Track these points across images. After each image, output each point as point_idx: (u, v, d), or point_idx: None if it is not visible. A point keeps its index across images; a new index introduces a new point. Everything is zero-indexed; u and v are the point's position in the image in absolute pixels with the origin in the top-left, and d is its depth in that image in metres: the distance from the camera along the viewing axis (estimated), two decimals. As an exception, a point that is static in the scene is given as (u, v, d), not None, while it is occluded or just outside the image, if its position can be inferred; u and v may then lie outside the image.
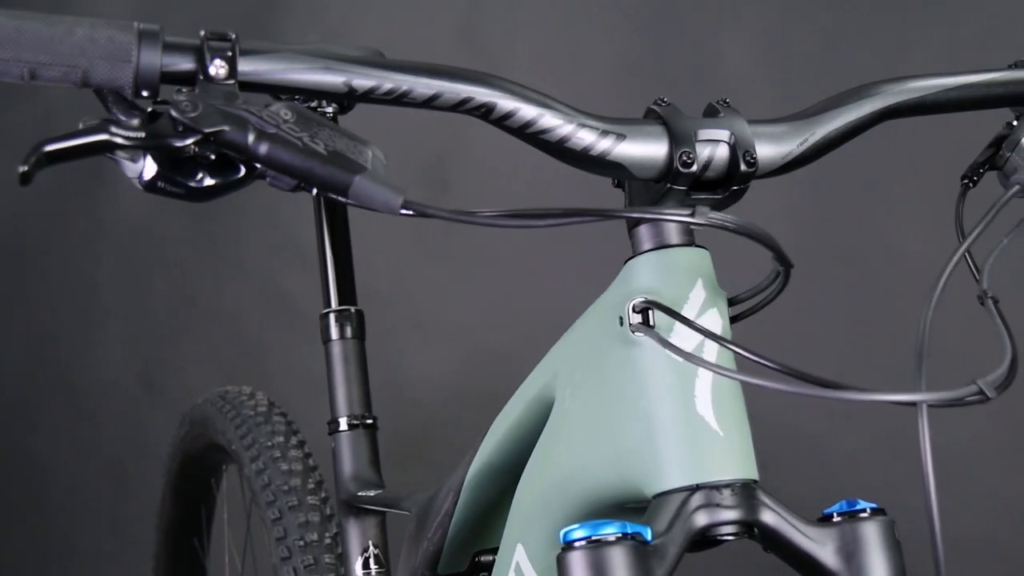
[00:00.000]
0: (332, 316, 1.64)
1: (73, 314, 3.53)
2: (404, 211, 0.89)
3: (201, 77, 0.87)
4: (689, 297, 0.96)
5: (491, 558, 1.31)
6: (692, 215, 0.91)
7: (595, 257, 2.43)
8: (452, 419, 2.63)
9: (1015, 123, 1.07)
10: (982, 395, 0.86)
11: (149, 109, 0.88)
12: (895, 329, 2.10)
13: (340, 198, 0.88)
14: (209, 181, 0.89)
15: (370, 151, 0.89)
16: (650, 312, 0.95)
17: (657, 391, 0.95)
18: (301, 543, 1.69)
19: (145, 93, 0.87)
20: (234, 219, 3.10)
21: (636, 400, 0.96)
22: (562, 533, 0.91)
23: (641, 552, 0.90)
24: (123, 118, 0.88)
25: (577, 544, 0.90)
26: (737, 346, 0.90)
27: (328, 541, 1.70)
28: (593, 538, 0.90)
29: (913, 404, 0.86)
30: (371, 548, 1.58)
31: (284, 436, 1.81)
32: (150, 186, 0.89)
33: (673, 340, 0.94)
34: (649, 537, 0.91)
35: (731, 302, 1.00)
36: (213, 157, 0.87)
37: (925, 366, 0.87)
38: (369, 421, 1.62)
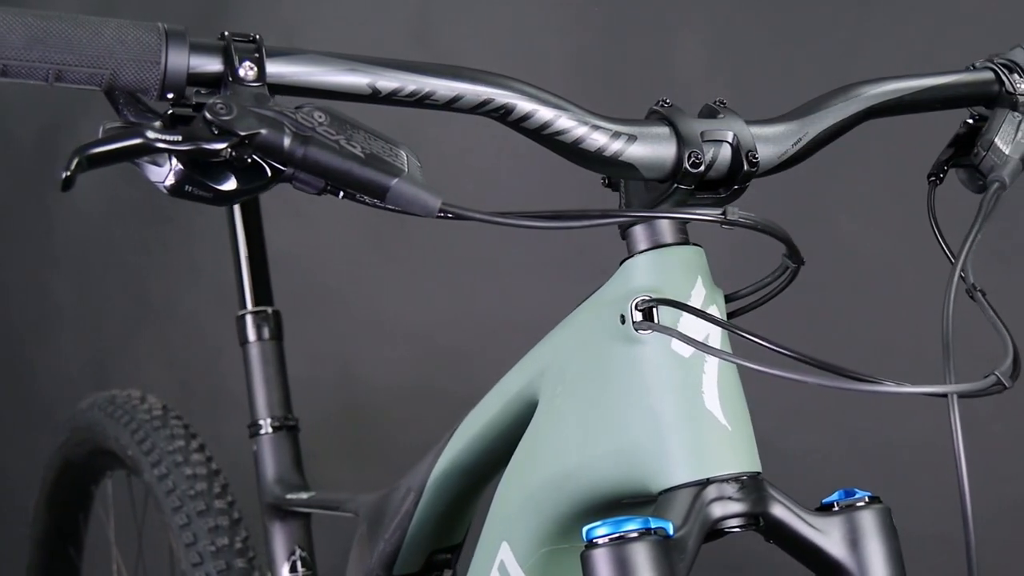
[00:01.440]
0: (249, 318, 1.63)
1: (27, 316, 3.47)
2: (440, 214, 0.88)
3: (230, 79, 0.86)
4: (691, 295, 0.98)
5: (447, 556, 1.31)
6: (723, 215, 0.93)
7: (552, 257, 2.45)
8: (407, 419, 2.62)
9: (970, 121, 1.11)
10: (1000, 385, 0.89)
11: (169, 112, 0.86)
12: (852, 323, 2.15)
13: (376, 202, 0.88)
14: (235, 184, 0.87)
15: (404, 153, 0.88)
16: (654, 310, 0.96)
17: (664, 387, 0.96)
18: (212, 548, 1.66)
19: (170, 96, 0.85)
20: (186, 219, 3.06)
21: (640, 397, 0.97)
22: (584, 530, 0.92)
23: (664, 546, 0.91)
24: (136, 121, 0.86)
25: (600, 541, 0.91)
26: (761, 339, 0.92)
27: (239, 546, 1.68)
28: (616, 534, 0.91)
29: (944, 396, 0.89)
30: (298, 551, 1.56)
31: (184, 440, 1.78)
32: (176, 190, 0.87)
33: (680, 338, 0.96)
34: (671, 531, 0.92)
35: (727, 299, 1.02)
36: (249, 161, 0.85)
37: (952, 359, 0.90)
38: (291, 423, 1.60)
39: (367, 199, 0.88)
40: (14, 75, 0.83)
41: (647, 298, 0.96)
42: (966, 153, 1.11)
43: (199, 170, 0.86)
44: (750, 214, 0.94)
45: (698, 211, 0.95)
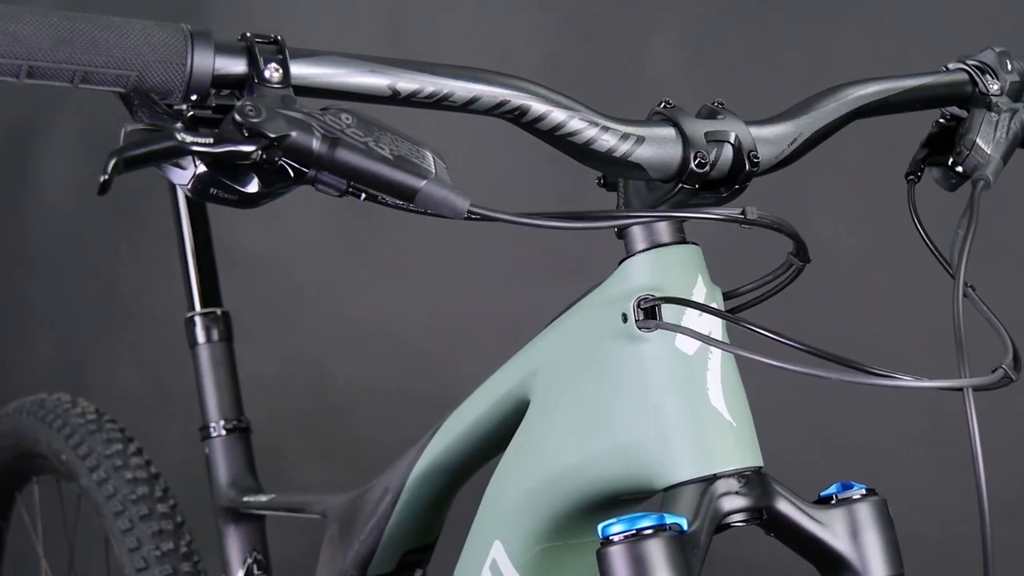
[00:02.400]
0: (198, 319, 1.60)
1: (0, 319, 3.41)
2: (467, 216, 0.88)
3: (255, 80, 0.85)
4: (693, 292, 0.99)
5: (420, 556, 1.31)
6: (742, 214, 0.95)
7: (524, 258, 2.44)
8: (378, 419, 2.60)
9: (943, 120, 1.14)
10: (1008, 378, 0.92)
11: (191, 114, 0.85)
12: (836, 320, 2.17)
13: (400, 203, 0.87)
14: (258, 186, 0.86)
15: (430, 154, 0.88)
16: (657, 308, 0.97)
17: (668, 385, 0.97)
18: (157, 553, 1.64)
19: (194, 97, 0.84)
20: (159, 221, 3.00)
21: (644, 395, 0.98)
22: (599, 528, 0.93)
23: (679, 542, 0.92)
24: (154, 123, 0.86)
25: (616, 538, 0.92)
26: (775, 334, 0.93)
27: (185, 550, 1.66)
28: (632, 531, 0.92)
29: (959, 389, 0.91)
30: (253, 554, 1.55)
31: (121, 444, 1.76)
32: (200, 192, 0.86)
33: (684, 336, 0.97)
34: (686, 527, 0.93)
35: (725, 297, 1.03)
36: (280, 163, 0.85)
37: (965, 354, 0.92)
38: (243, 425, 1.58)
39: (390, 200, 0.88)
40: (40, 76, 0.81)
41: (650, 296, 0.97)
42: (939, 152, 1.13)
43: (222, 172, 0.85)
44: (766, 213, 0.96)
45: (717, 210, 0.96)
